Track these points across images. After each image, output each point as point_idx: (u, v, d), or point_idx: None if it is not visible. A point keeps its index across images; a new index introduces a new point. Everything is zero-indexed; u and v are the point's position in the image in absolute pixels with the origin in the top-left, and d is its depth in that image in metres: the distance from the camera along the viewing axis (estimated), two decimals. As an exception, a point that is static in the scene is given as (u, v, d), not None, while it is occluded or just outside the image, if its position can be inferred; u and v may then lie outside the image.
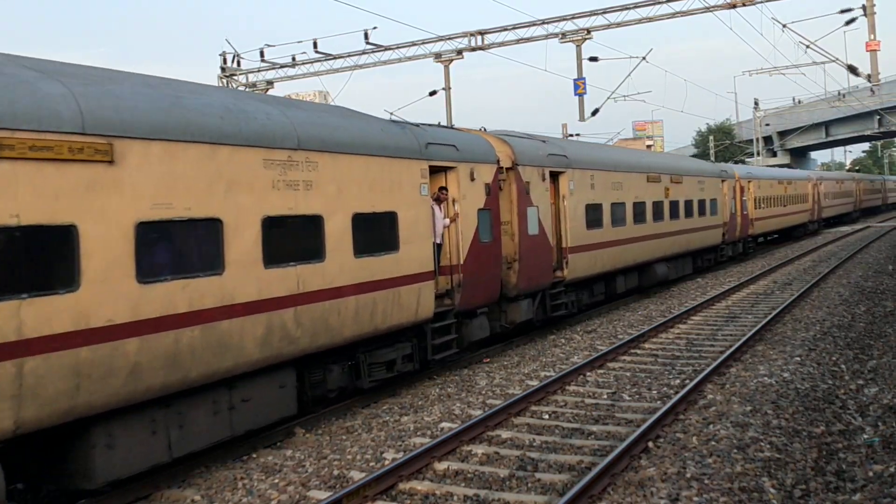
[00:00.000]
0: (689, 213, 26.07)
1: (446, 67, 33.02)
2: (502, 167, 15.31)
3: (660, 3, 28.71)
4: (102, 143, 7.57)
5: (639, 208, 22.09)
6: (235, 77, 36.21)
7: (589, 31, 29.96)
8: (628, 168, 21.91)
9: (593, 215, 19.08)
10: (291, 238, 9.85)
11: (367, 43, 32.77)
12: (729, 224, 30.95)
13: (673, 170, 25.40)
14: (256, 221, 9.23)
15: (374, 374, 11.81)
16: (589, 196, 19.02)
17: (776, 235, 44.69)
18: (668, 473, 8.36)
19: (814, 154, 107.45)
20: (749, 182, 35.08)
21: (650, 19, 29.19)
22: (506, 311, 15.74)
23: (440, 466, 8.95)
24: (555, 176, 17.58)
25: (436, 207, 13.29)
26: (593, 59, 32.08)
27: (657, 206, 23.42)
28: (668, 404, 10.59)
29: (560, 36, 30.38)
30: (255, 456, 9.82)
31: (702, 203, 27.52)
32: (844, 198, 63.98)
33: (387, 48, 33.24)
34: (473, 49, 32.07)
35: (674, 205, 24.75)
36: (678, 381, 12.68)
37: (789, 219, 43.90)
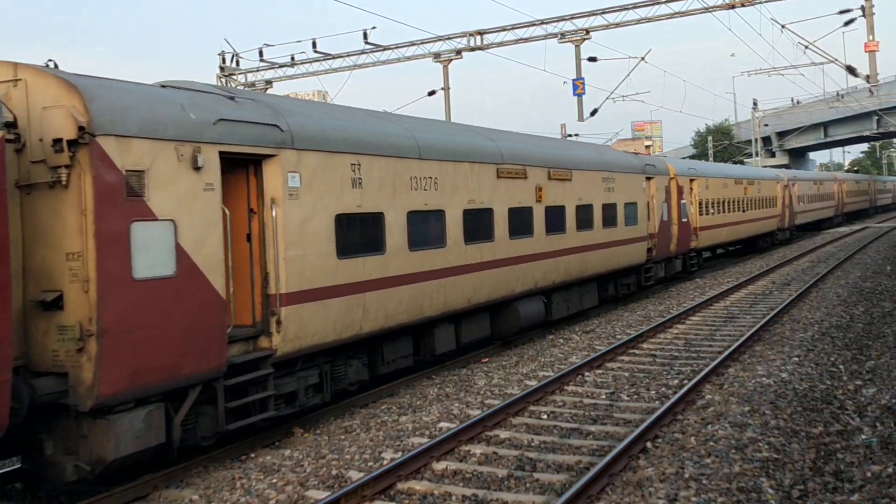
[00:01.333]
0: (585, 224, 18.56)
1: (445, 67, 33.03)
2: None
3: (659, 3, 28.71)
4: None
5: (476, 219, 14.36)
6: (234, 77, 36.20)
7: (588, 32, 29.96)
8: (447, 156, 13.65)
9: (355, 233, 11.41)
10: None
11: (366, 43, 32.77)
12: (659, 236, 23.58)
13: (553, 161, 17.40)
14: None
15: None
16: (349, 202, 11.21)
17: (734, 247, 38.32)
18: (667, 474, 8.37)
19: (812, 155, 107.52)
20: (691, 181, 27.56)
21: (649, 20, 29.20)
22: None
23: (438, 466, 8.95)
24: None
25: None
26: (592, 59, 32.12)
27: (519, 214, 15.78)
28: (667, 405, 10.60)
29: (559, 36, 30.38)
30: (253, 455, 9.82)
31: (609, 208, 19.99)
32: (824, 201, 55.17)
33: (386, 48, 33.24)
34: (472, 49, 32.06)
35: (554, 212, 17.14)
36: (676, 381, 12.69)
37: (750, 227, 35.99)
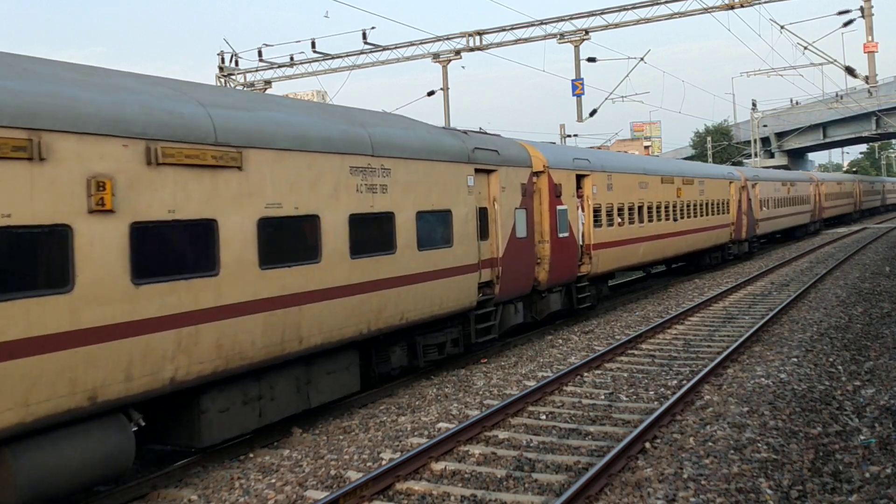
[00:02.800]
0: (297, 252, 10.51)
1: (444, 68, 33.04)
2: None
3: (658, 3, 28.73)
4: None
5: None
6: (233, 76, 36.21)
7: (587, 32, 29.97)
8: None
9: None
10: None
11: (366, 43, 32.80)
12: (506, 262, 15.19)
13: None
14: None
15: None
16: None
17: (675, 264, 31.02)
18: (665, 474, 8.37)
19: (811, 155, 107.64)
20: (581, 177, 19.46)
21: (648, 20, 29.22)
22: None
23: (437, 467, 8.95)
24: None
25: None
26: (591, 59, 32.18)
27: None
28: (666, 405, 10.60)
29: (558, 36, 30.39)
30: (252, 456, 9.82)
31: (372, 223, 11.60)
32: (795, 205, 47.18)
33: (385, 48, 33.26)
34: (472, 49, 32.07)
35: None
36: (675, 381, 12.69)
37: (687, 241, 27.36)
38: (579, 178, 19.30)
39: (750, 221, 35.12)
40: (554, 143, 23.07)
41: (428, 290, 12.59)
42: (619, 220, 21.36)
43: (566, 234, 18.03)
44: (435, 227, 12.88)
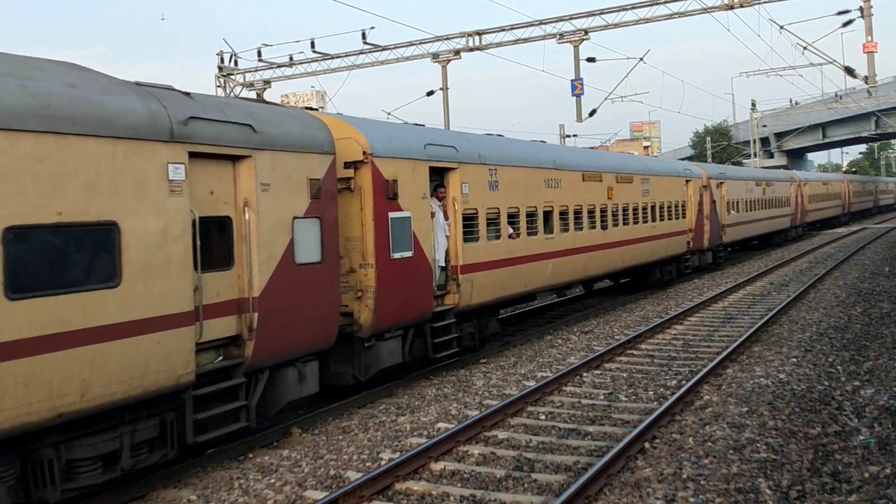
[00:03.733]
0: None
1: (444, 68, 33.05)
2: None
3: (657, 3, 28.75)
4: None
5: None
6: (233, 76, 36.21)
7: (586, 32, 29.98)
8: None
9: None
10: None
11: (365, 43, 32.80)
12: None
13: None
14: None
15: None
16: None
17: None
18: (665, 474, 8.38)
19: (811, 155, 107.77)
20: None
21: (648, 20, 29.23)
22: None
23: (437, 467, 8.95)
24: None
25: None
26: (591, 59, 32.21)
27: None
28: (665, 405, 10.60)
29: (558, 37, 30.40)
30: (251, 456, 9.82)
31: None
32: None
33: (384, 48, 33.27)
34: (471, 49, 32.08)
35: None
36: (675, 381, 12.69)
37: None
38: (440, 172, 13.87)
39: (714, 227, 29.70)
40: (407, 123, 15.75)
41: (59, 367, 7.12)
42: (512, 230, 15.69)
43: (408, 254, 12.64)
44: (67, 255, 7.34)
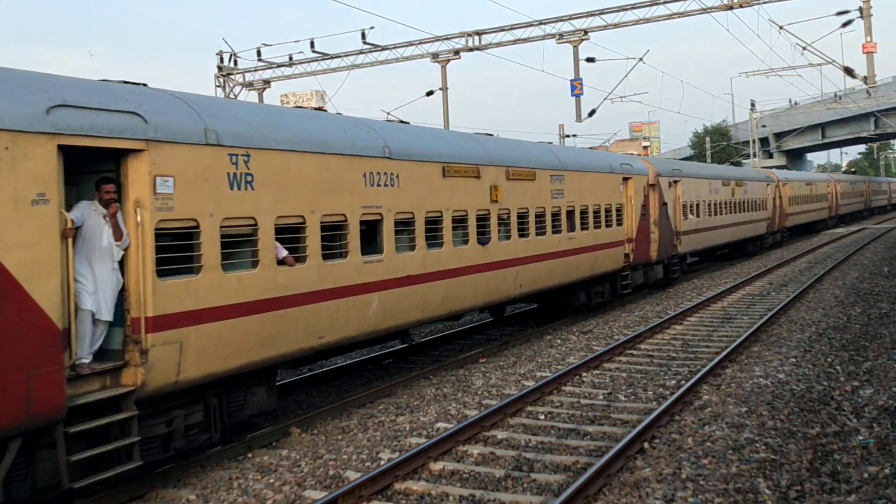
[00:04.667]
0: None
1: (443, 68, 33.05)
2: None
3: (657, 4, 28.75)
4: None
5: None
6: (232, 76, 36.20)
7: (586, 32, 29.98)
8: None
9: None
10: None
11: (365, 43, 32.79)
12: None
13: None
14: None
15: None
16: None
17: None
18: (664, 474, 8.38)
19: (810, 156, 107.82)
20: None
21: (647, 20, 29.23)
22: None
23: (436, 467, 8.94)
24: None
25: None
26: (590, 59, 32.21)
27: None
28: (664, 405, 10.60)
29: (557, 37, 30.41)
30: (250, 455, 9.82)
31: None
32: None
33: (384, 48, 33.26)
34: (471, 49, 32.08)
35: None
36: (674, 381, 12.69)
37: None
38: (107, 155, 8.19)
39: (665, 236, 24.36)
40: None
41: None
42: (286, 252, 10.09)
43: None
44: None
